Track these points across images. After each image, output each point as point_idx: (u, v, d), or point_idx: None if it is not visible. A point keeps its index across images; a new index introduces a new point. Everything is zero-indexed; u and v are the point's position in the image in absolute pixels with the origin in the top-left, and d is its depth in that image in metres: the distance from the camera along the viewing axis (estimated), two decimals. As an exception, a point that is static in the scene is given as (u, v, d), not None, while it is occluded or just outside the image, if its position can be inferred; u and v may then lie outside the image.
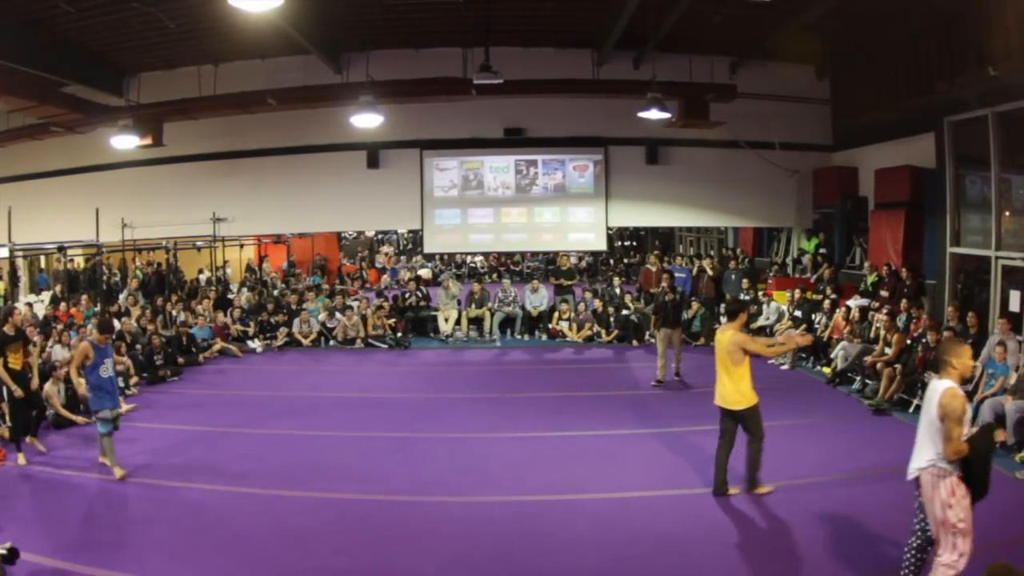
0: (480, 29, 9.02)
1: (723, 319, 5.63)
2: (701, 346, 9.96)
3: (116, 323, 8.97)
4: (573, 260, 16.81)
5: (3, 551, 3.33)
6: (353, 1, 8.92)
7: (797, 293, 9.56)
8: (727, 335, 4.74)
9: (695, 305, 10.33)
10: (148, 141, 9.71)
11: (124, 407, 6.96)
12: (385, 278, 17.32)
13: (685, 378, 8.06)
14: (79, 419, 6.54)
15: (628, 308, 10.73)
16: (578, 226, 11.57)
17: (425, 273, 17.24)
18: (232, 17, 8.54)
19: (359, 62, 10.12)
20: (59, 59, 9.25)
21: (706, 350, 9.74)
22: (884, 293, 8.79)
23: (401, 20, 9.71)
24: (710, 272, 11.08)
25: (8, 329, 5.52)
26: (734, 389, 4.67)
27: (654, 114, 8.65)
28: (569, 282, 11.63)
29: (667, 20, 8.60)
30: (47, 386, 6.47)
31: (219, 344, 9.80)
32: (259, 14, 6.93)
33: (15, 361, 5.54)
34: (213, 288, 12.16)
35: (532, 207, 11.55)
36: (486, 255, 18.26)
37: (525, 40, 10.32)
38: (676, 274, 11.23)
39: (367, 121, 9.19)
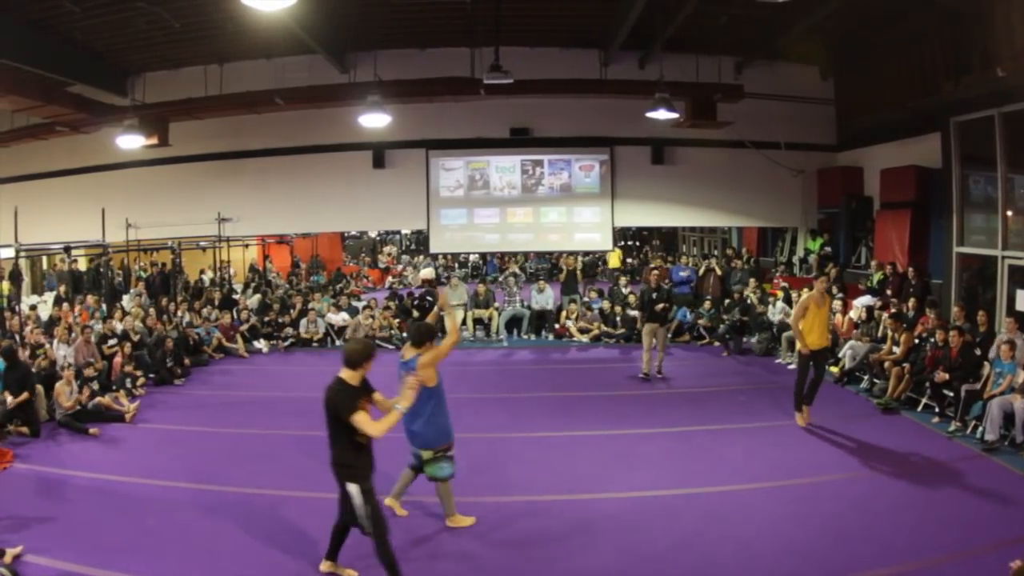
0: (485, 29, 9.02)
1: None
2: (707, 345, 9.99)
3: (120, 324, 8.96)
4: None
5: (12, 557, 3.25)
6: (360, 0, 8.91)
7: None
8: None
9: (707, 303, 10.36)
10: (154, 141, 9.69)
11: (130, 407, 6.93)
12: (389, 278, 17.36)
13: (678, 377, 8.08)
14: (93, 430, 6.31)
15: (632, 308, 10.76)
16: (584, 226, 11.57)
17: (428, 273, 17.22)
18: (238, 17, 8.54)
19: (364, 62, 10.12)
20: (63, 59, 9.23)
21: (713, 350, 9.80)
22: (888, 292, 8.84)
23: (407, 20, 9.71)
24: (719, 271, 11.10)
25: (353, 379, 3.44)
26: None
27: (662, 114, 8.66)
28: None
29: (674, 20, 8.61)
30: (58, 385, 6.45)
31: (223, 343, 9.78)
32: (267, 14, 6.92)
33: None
34: (217, 288, 12.14)
35: (538, 207, 11.55)
36: (490, 255, 18.27)
37: (531, 40, 10.32)
38: (680, 273, 11.26)
39: (375, 121, 9.18)
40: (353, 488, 3.40)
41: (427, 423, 4.02)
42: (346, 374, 3.47)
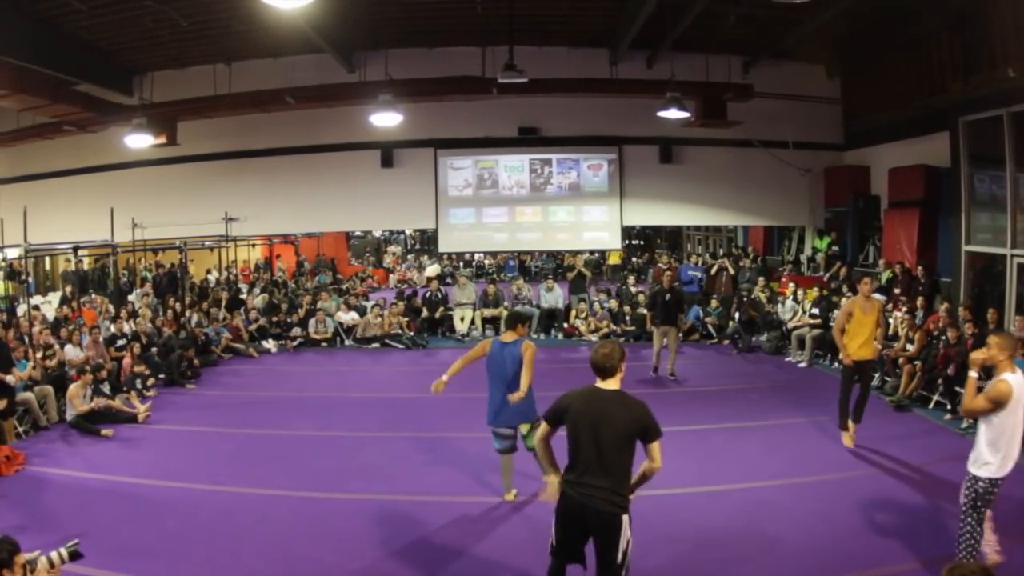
0: (494, 28, 9.03)
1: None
2: (715, 344, 10.01)
3: (129, 325, 8.93)
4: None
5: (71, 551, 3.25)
6: (370, 0, 8.89)
7: (815, 291, 9.59)
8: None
9: (714, 302, 10.38)
10: (162, 140, 9.67)
11: (141, 408, 6.91)
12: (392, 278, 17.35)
13: (689, 376, 8.10)
14: (106, 431, 6.22)
15: (640, 306, 10.78)
16: (592, 225, 11.60)
17: (432, 271, 17.21)
18: (246, 15, 8.53)
19: (373, 61, 10.11)
20: (69, 57, 9.20)
21: (722, 348, 9.82)
22: (897, 291, 8.88)
23: (417, 19, 9.71)
24: (731, 270, 11.12)
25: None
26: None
27: (673, 113, 8.68)
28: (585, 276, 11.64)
29: (683, 20, 8.62)
30: (72, 387, 6.42)
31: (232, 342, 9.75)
32: (275, 13, 6.92)
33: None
34: (224, 288, 12.10)
35: (546, 206, 11.57)
36: (495, 255, 18.28)
37: (540, 39, 10.31)
38: (690, 272, 11.28)
39: (385, 120, 9.17)
40: (627, 519, 2.95)
41: (526, 399, 4.38)
42: (614, 385, 2.99)
